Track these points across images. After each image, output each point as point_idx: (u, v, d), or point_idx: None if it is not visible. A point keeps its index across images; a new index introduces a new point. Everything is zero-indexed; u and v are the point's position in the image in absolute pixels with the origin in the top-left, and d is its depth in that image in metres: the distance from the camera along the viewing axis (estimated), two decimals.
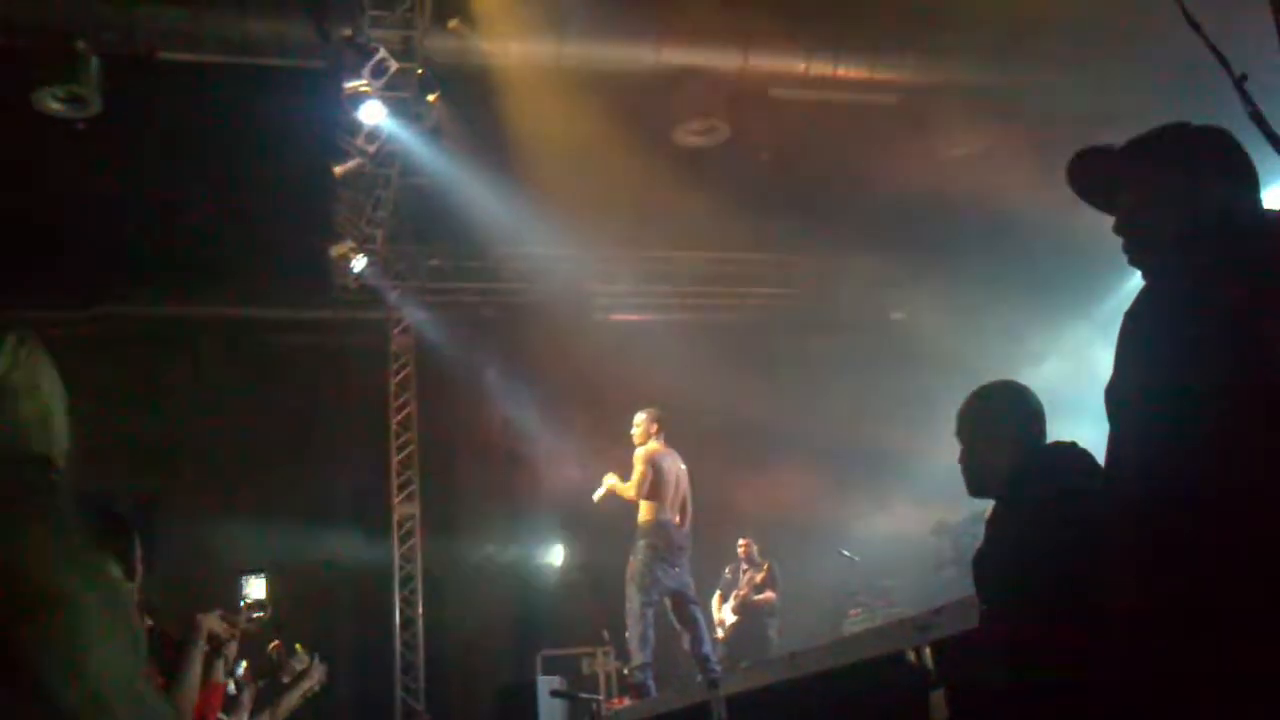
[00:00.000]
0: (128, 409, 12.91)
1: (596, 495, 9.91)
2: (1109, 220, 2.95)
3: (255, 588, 5.51)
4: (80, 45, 10.38)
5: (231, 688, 5.03)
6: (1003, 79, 12.19)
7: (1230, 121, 2.86)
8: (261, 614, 5.47)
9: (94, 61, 10.46)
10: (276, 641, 6.06)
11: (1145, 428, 2.57)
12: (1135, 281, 2.80)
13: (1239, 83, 2.98)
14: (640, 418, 9.88)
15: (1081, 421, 3.27)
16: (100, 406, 12.08)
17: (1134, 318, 2.65)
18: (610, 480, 9.78)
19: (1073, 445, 3.46)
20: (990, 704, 3.46)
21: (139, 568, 3.96)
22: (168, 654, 4.37)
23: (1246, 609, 2.32)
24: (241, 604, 5.39)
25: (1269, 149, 2.74)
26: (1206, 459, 2.43)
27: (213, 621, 4.48)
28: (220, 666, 4.74)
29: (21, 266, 11.73)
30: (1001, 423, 3.65)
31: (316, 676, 5.62)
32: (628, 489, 9.64)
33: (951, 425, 3.79)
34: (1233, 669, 2.31)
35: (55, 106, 10.57)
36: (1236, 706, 2.31)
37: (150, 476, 12.51)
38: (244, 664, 5.29)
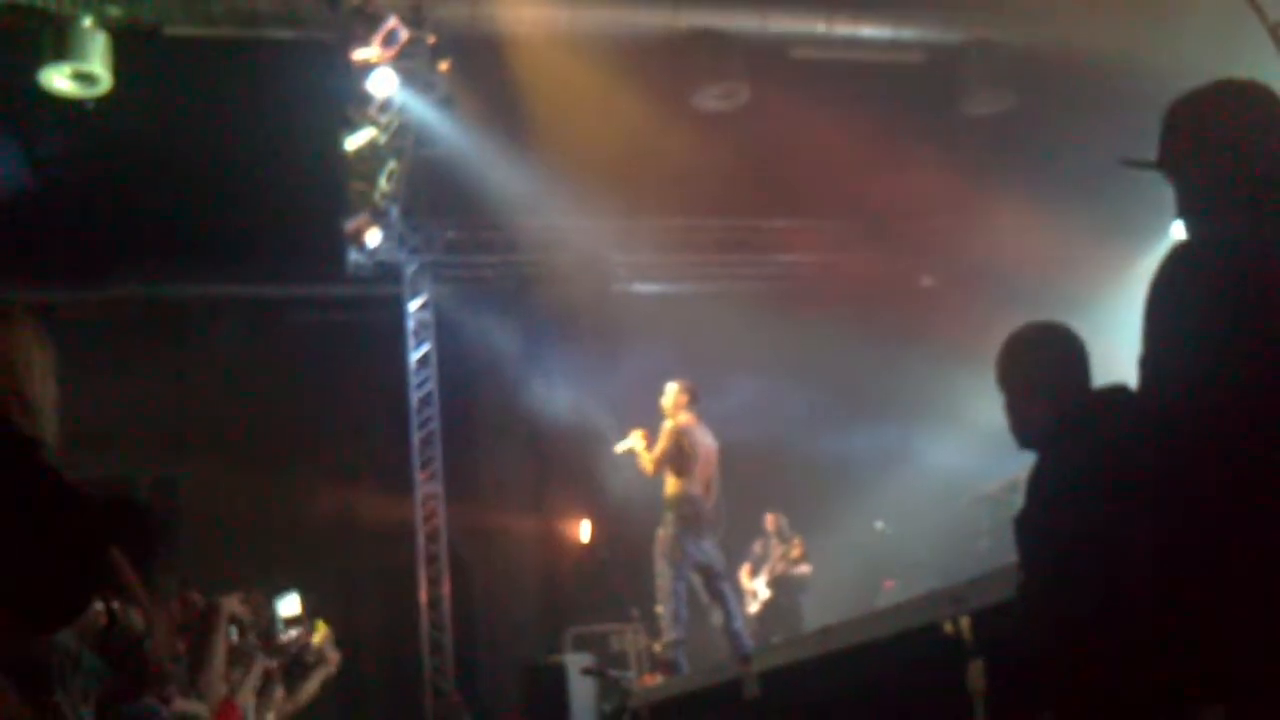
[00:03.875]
0: (144, 391, 12.86)
1: (619, 448, 9.77)
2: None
3: (288, 605, 5.44)
4: (87, 22, 10.25)
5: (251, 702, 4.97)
6: (1030, 34, 11.92)
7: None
8: (299, 630, 5.40)
9: (101, 38, 10.33)
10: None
11: (1182, 383, 2.49)
12: None
13: (1274, 31, 2.93)
14: (672, 388, 9.73)
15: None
16: (116, 388, 12.02)
17: (1169, 280, 2.57)
18: (637, 440, 9.60)
19: (1123, 389, 3.17)
20: (1029, 673, 3.31)
21: (163, 558, 3.90)
22: (187, 635, 4.31)
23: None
24: (279, 625, 5.31)
25: None
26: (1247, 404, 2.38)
27: (234, 604, 4.42)
28: (247, 681, 4.73)
29: (33, 249, 11.66)
30: (1040, 369, 3.39)
31: (335, 660, 5.52)
32: (645, 459, 9.50)
33: (983, 395, 3.57)
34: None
35: (63, 85, 10.45)
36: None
37: (169, 458, 12.44)
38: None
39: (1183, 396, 2.48)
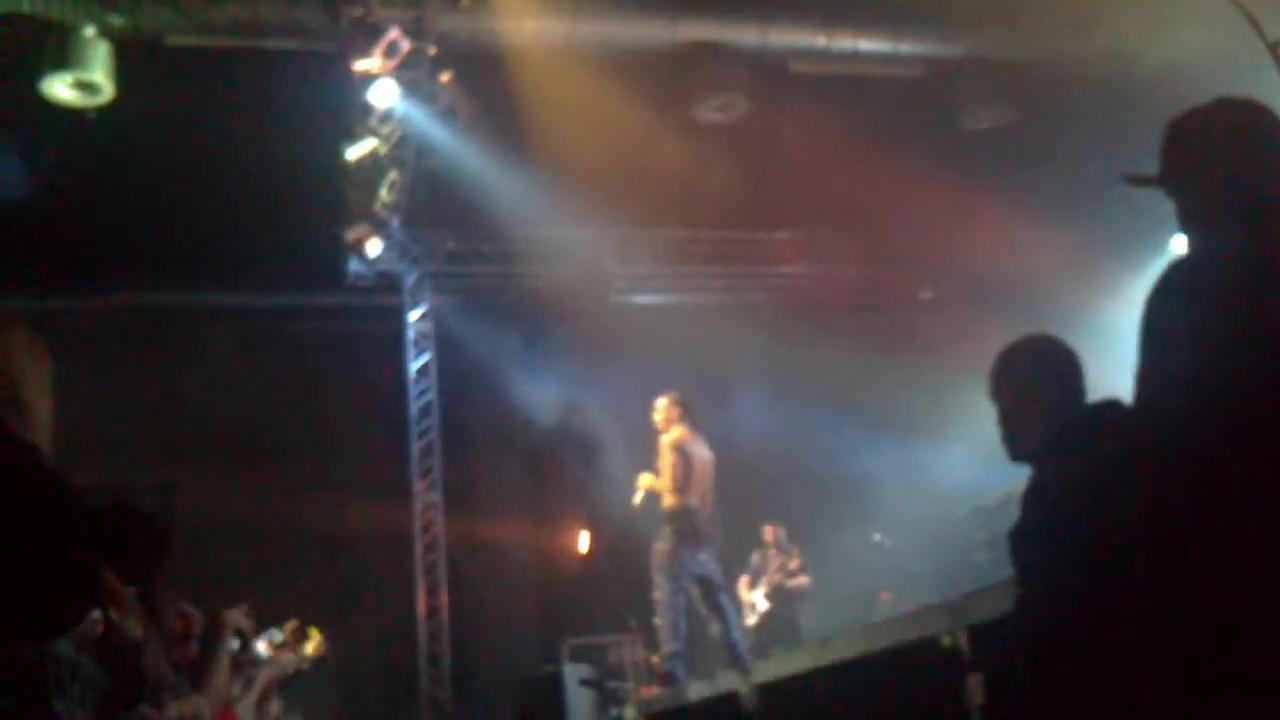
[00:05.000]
0: (142, 399, 12.86)
1: (636, 499, 9.74)
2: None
3: (309, 647, 5.47)
4: (89, 31, 10.26)
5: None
6: (1029, 49, 11.95)
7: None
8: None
9: (103, 47, 10.34)
10: (294, 622, 6.00)
11: (1179, 396, 2.49)
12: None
13: (1273, 49, 2.96)
14: (662, 403, 9.74)
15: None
16: (114, 397, 12.02)
17: (1168, 293, 2.57)
18: (645, 480, 9.61)
19: (1116, 403, 3.18)
20: (1026, 687, 3.31)
21: (162, 563, 3.91)
22: (189, 646, 4.33)
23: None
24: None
25: None
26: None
27: (238, 616, 4.43)
28: (250, 693, 4.75)
29: (33, 257, 11.65)
30: (1034, 382, 3.40)
31: (291, 661, 5.54)
32: (663, 484, 9.46)
33: (981, 408, 3.56)
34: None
35: (65, 94, 10.45)
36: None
37: (166, 467, 12.41)
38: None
39: (1179, 409, 2.49)
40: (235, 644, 4.45)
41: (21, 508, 1.97)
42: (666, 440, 9.58)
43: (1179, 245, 2.82)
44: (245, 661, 4.89)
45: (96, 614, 2.90)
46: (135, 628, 3.06)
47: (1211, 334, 2.46)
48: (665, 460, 9.49)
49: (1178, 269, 2.62)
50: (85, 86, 10.39)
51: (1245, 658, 2.31)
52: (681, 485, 9.43)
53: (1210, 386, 2.42)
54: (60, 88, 10.36)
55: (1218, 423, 2.40)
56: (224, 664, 4.18)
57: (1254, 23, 3.33)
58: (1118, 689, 2.78)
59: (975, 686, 4.16)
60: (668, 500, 9.45)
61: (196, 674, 4.00)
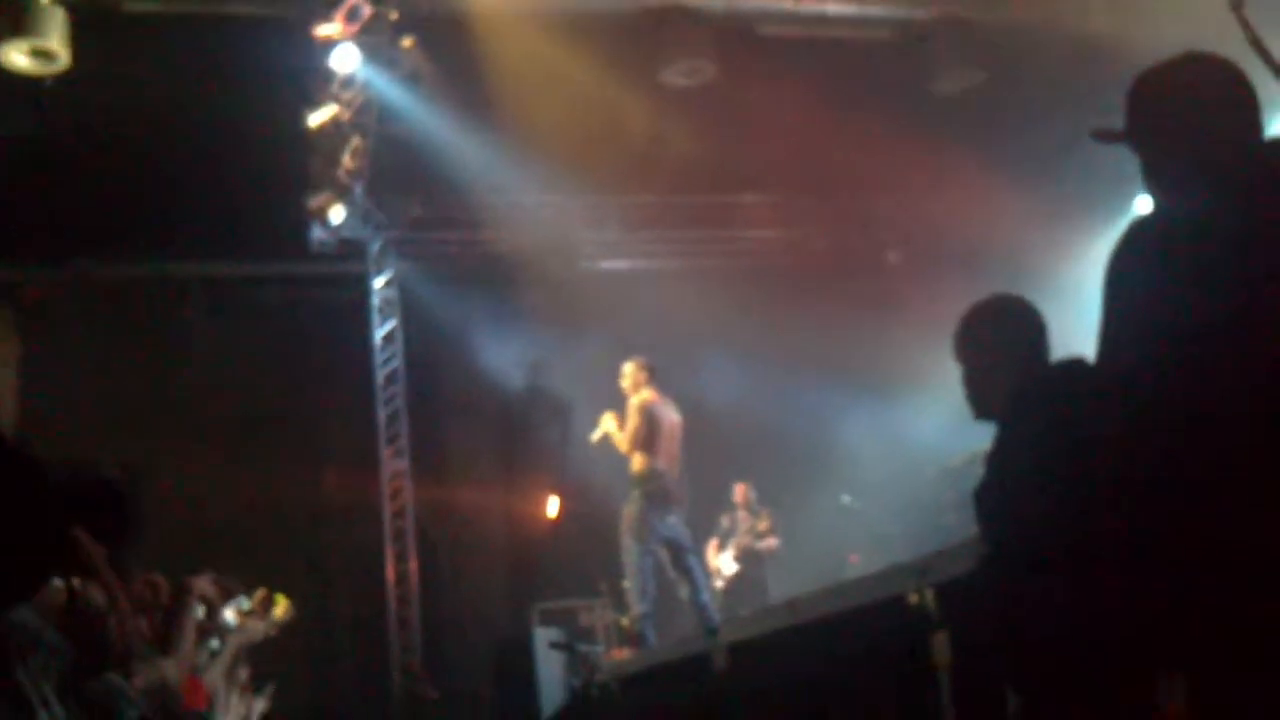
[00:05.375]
0: (107, 371, 12.72)
1: (594, 436, 9.84)
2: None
3: (277, 613, 5.47)
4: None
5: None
6: (999, 12, 11.93)
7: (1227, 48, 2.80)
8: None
9: (59, 15, 10.19)
10: (263, 590, 6.01)
11: (1140, 352, 2.51)
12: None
13: (1237, 8, 2.97)
14: (628, 367, 9.82)
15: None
16: (79, 370, 11.93)
17: (1130, 250, 2.59)
18: (608, 424, 9.69)
19: (1080, 361, 3.20)
20: (992, 645, 3.34)
21: (129, 532, 3.90)
22: (156, 614, 4.32)
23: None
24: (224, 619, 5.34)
25: (1269, 77, 2.78)
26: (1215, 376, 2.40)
27: (204, 584, 4.43)
28: (218, 660, 4.76)
29: None
30: (997, 341, 3.43)
31: (259, 628, 5.56)
32: (620, 440, 9.57)
33: (948, 369, 3.58)
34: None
35: (21, 63, 10.29)
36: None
37: (134, 439, 12.31)
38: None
39: (1140, 365, 2.50)
40: (201, 611, 4.46)
41: None
42: (634, 403, 9.64)
43: (1143, 204, 2.82)
44: (209, 628, 4.89)
45: (59, 582, 2.87)
46: (98, 595, 3.04)
47: (1175, 288, 2.47)
48: (630, 422, 9.56)
49: (1141, 226, 2.63)
50: (42, 54, 10.23)
51: (1218, 610, 2.33)
52: (649, 447, 9.49)
53: (1175, 341, 2.43)
54: (16, 56, 10.20)
55: (1182, 375, 2.41)
56: (191, 631, 4.17)
57: None
58: (1082, 645, 2.80)
59: (941, 644, 4.19)
60: (636, 463, 9.50)
61: (164, 641, 3.99)
